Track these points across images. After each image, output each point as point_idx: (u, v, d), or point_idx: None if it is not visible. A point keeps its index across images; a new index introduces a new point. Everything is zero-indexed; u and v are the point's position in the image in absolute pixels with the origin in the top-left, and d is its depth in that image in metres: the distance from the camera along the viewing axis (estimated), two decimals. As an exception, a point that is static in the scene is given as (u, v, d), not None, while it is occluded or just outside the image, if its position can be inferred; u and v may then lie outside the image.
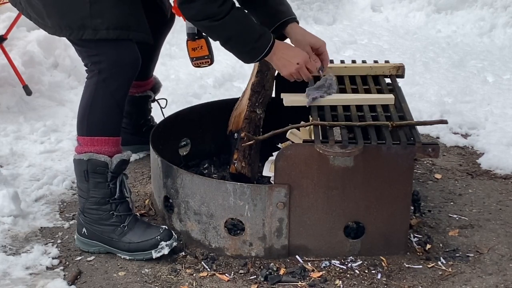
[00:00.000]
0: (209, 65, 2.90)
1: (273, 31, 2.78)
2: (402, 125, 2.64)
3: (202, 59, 2.88)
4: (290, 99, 2.84)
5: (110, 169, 2.66)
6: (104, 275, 2.63)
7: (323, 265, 2.65)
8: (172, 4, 2.91)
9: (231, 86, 4.46)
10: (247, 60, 2.77)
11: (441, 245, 2.80)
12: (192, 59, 2.88)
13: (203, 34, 2.84)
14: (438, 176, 3.38)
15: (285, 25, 2.85)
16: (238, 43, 2.66)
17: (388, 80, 3.10)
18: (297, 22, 2.90)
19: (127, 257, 2.69)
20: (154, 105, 3.51)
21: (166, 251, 2.65)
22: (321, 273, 2.61)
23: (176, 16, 3.10)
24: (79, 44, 2.66)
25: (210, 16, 2.57)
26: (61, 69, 4.35)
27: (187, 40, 2.85)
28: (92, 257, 2.72)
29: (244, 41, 2.65)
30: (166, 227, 2.71)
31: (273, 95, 3.19)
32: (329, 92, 2.82)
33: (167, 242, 2.65)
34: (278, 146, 2.91)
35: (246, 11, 2.69)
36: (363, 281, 2.58)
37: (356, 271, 2.63)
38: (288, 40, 2.86)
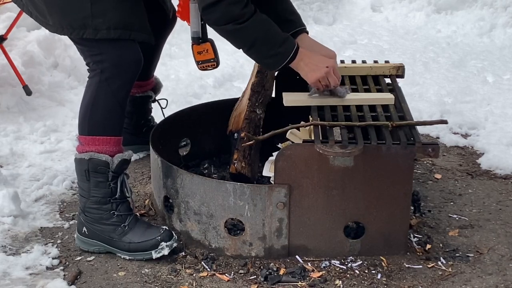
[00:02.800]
0: (215, 67, 2.89)
1: None
2: (402, 125, 2.64)
3: (208, 62, 2.87)
4: (290, 99, 2.84)
5: (111, 168, 2.66)
6: (104, 275, 2.63)
7: (323, 265, 2.65)
8: (176, 8, 2.91)
9: (231, 86, 4.46)
10: (271, 66, 2.76)
11: (441, 245, 2.80)
12: (198, 62, 2.87)
13: (208, 37, 2.83)
14: (438, 176, 3.38)
15: (295, 36, 2.84)
16: (262, 48, 2.65)
17: (388, 80, 3.10)
18: (307, 33, 2.90)
19: (127, 257, 2.69)
20: (154, 105, 3.51)
21: (166, 251, 2.65)
22: (321, 273, 2.61)
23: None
24: (81, 43, 2.66)
25: (233, 19, 2.57)
26: (61, 69, 4.35)
27: (192, 44, 2.84)
28: (92, 257, 2.72)
29: (268, 45, 2.64)
30: (167, 228, 2.71)
31: (273, 95, 3.19)
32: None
33: (167, 243, 2.65)
34: (278, 146, 2.91)
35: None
36: (363, 281, 2.58)
37: (356, 271, 2.63)
38: None
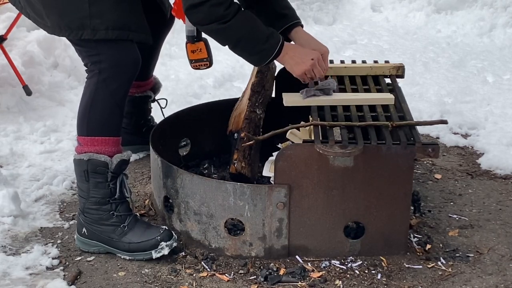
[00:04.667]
0: (208, 67, 2.90)
1: None
2: (402, 125, 2.64)
3: (201, 61, 2.88)
4: (290, 99, 2.84)
5: (110, 169, 2.66)
6: (104, 275, 2.63)
7: (323, 265, 2.65)
8: (172, 6, 2.91)
9: (231, 86, 4.46)
10: (257, 63, 2.77)
11: (441, 245, 2.80)
12: (191, 61, 2.88)
13: (203, 37, 2.84)
14: (438, 176, 3.38)
15: (290, 30, 2.86)
16: (247, 45, 2.66)
17: (388, 80, 3.10)
18: (302, 26, 2.91)
19: (127, 257, 2.69)
20: (154, 105, 3.51)
21: (166, 251, 2.65)
22: (321, 273, 2.61)
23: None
24: (79, 44, 2.66)
25: (217, 19, 2.57)
26: (61, 69, 4.35)
27: (186, 43, 2.86)
28: (92, 257, 2.72)
29: (253, 42, 2.65)
30: (166, 228, 2.71)
31: (273, 95, 3.19)
32: (326, 93, 2.81)
33: (167, 243, 2.65)
34: (278, 146, 2.91)
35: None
36: (363, 281, 2.58)
37: (356, 271, 2.63)
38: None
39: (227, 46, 2.68)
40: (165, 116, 3.26)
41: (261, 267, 2.65)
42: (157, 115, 3.47)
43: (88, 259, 2.72)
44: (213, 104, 3.38)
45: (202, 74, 4.49)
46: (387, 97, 2.87)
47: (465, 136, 3.83)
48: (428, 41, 5.47)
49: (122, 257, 2.70)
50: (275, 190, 2.60)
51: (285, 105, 2.84)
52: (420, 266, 2.66)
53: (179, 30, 4.44)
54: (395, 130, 2.62)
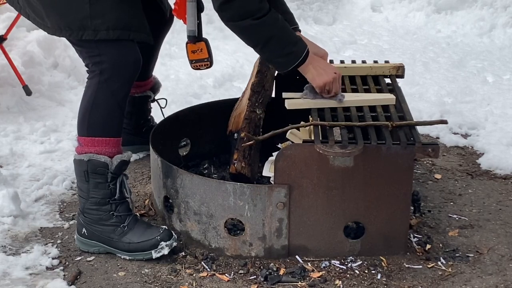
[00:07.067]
0: (208, 67, 2.89)
1: None
2: (402, 125, 2.64)
3: (202, 61, 2.87)
4: (292, 102, 2.83)
5: (110, 169, 2.65)
6: (104, 275, 2.63)
7: (323, 265, 2.65)
8: (172, 6, 2.91)
9: (231, 86, 4.47)
10: (282, 66, 2.73)
11: (441, 245, 2.80)
12: (191, 61, 2.88)
13: (203, 37, 2.83)
14: (438, 176, 3.38)
15: None
16: (278, 45, 2.65)
17: (388, 80, 3.10)
18: (299, 31, 2.93)
19: (127, 257, 2.69)
20: (154, 105, 3.52)
21: (166, 251, 2.65)
22: (321, 273, 2.61)
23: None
24: (79, 45, 2.65)
25: (251, 13, 2.56)
26: (61, 69, 4.36)
27: (187, 43, 2.85)
28: (92, 257, 2.72)
29: (283, 43, 2.64)
30: (166, 228, 2.71)
31: (273, 95, 3.19)
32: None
33: (167, 242, 2.65)
34: (278, 146, 2.91)
35: None
36: (363, 281, 2.58)
37: (356, 271, 2.63)
38: None
39: (253, 49, 2.67)
40: (165, 116, 3.26)
41: (261, 267, 2.65)
42: (157, 115, 3.47)
43: (88, 259, 2.72)
44: (213, 104, 3.38)
45: (202, 74, 4.50)
46: (387, 97, 2.87)
47: (465, 136, 3.83)
48: (428, 41, 5.47)
49: (122, 257, 2.70)
50: (275, 190, 2.60)
51: (287, 108, 2.83)
52: (420, 266, 2.66)
53: (179, 30, 4.44)
54: (395, 130, 2.62)
